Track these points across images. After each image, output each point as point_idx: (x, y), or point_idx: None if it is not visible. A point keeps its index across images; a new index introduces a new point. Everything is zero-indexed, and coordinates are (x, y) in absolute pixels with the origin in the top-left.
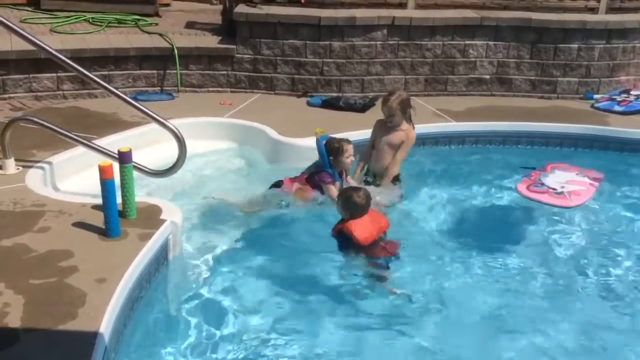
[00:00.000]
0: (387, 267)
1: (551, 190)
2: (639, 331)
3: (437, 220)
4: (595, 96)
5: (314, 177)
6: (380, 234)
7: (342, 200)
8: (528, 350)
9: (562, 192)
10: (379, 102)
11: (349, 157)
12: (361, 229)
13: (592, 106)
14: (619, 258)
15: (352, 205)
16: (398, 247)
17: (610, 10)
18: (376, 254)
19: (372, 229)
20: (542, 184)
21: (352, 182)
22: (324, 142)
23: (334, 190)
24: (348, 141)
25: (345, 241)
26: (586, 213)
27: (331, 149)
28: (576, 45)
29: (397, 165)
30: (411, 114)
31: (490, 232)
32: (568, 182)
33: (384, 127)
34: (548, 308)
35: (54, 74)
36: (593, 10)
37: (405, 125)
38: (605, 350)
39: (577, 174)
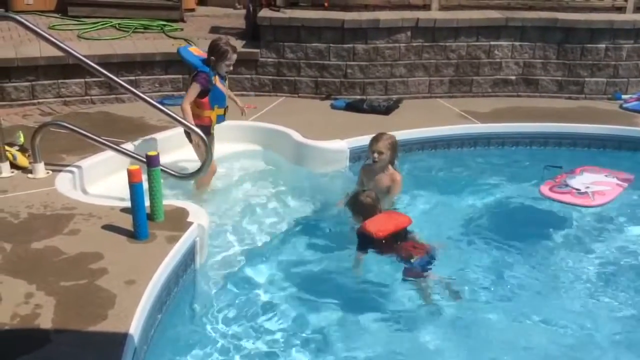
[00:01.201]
0: (422, 268)
1: (574, 190)
2: None
3: (460, 222)
4: (624, 96)
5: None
6: (398, 229)
7: (351, 205)
8: (549, 349)
9: (585, 192)
10: (402, 104)
11: (230, 65)
12: (374, 223)
13: (621, 107)
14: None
15: (360, 205)
16: (429, 249)
17: (639, 9)
18: (397, 252)
19: (386, 224)
20: (567, 185)
21: (225, 89)
22: (189, 48)
23: (192, 94)
24: (235, 50)
25: (364, 240)
26: (609, 213)
27: (216, 50)
28: (603, 45)
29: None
30: (396, 158)
31: (511, 234)
32: (594, 183)
33: (369, 172)
34: (567, 307)
35: (82, 80)
36: (620, 10)
37: (390, 169)
38: (622, 338)
39: (606, 175)
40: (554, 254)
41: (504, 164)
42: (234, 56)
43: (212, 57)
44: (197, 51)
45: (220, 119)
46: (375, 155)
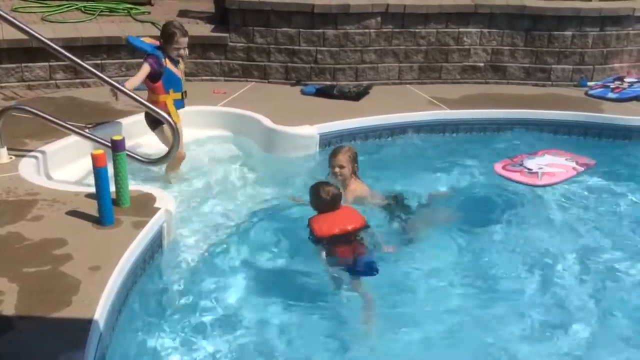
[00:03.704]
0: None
1: (525, 170)
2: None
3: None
4: (589, 83)
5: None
6: (344, 231)
7: (311, 193)
8: (503, 325)
9: (535, 172)
10: (372, 91)
11: (179, 49)
12: (321, 221)
13: (586, 93)
14: (580, 238)
15: (317, 199)
16: (364, 250)
17: None
18: (336, 254)
19: (333, 224)
20: (521, 165)
21: (180, 73)
22: (135, 37)
23: (140, 74)
24: (185, 34)
25: (311, 234)
26: (559, 194)
27: (165, 32)
28: (570, 33)
29: None
30: (357, 169)
31: (472, 218)
32: (550, 164)
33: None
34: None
35: (47, 63)
36: None
37: (353, 183)
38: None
39: (566, 159)
40: (500, 234)
41: (471, 149)
42: (183, 40)
43: (162, 39)
44: (150, 41)
45: (178, 104)
46: (337, 169)
